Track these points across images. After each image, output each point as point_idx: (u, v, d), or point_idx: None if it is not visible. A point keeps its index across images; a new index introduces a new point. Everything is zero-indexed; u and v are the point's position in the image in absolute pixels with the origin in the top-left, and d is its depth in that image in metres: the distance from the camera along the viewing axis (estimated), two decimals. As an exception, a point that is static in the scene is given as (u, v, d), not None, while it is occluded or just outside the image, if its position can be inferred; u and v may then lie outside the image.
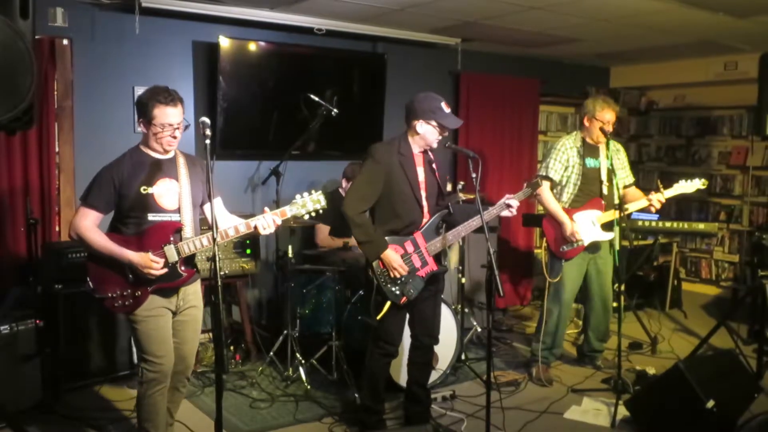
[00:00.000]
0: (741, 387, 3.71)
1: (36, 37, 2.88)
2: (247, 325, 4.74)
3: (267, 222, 2.93)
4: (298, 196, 2.98)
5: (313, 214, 2.99)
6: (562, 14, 4.73)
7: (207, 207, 3.04)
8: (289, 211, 2.97)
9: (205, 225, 3.13)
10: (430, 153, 3.44)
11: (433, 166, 3.46)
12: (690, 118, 7.42)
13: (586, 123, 4.33)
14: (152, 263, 2.82)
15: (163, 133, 2.85)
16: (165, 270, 2.86)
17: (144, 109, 2.85)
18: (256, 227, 2.92)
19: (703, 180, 4.30)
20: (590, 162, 4.34)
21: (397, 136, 3.41)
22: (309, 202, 2.97)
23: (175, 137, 2.89)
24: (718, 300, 6.87)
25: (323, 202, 2.98)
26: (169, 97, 2.85)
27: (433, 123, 3.28)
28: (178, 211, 2.93)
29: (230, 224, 2.98)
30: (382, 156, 3.31)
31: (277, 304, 5.26)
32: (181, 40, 4.83)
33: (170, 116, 2.84)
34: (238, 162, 5.12)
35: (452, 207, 3.49)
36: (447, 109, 3.30)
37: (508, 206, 3.44)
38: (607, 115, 4.24)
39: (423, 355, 3.60)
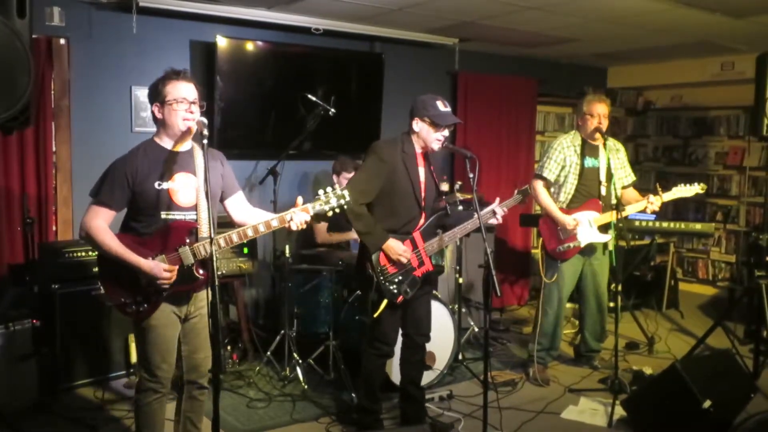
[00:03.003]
0: (737, 387, 3.71)
1: (33, 36, 2.87)
2: (244, 324, 4.74)
3: (300, 219, 2.75)
4: (321, 192, 2.78)
5: (337, 210, 2.78)
6: (559, 14, 4.73)
7: (228, 203, 2.94)
8: (311, 208, 2.75)
9: (227, 221, 2.98)
10: (429, 155, 3.44)
11: (431, 167, 3.46)
12: (687, 119, 7.44)
13: (580, 122, 4.35)
14: (165, 273, 2.65)
15: (179, 107, 2.67)
16: (176, 275, 2.68)
17: (155, 92, 2.70)
18: (290, 222, 2.74)
19: (701, 184, 4.32)
20: (589, 162, 4.34)
21: (400, 135, 3.42)
22: (333, 198, 2.76)
23: (192, 111, 2.69)
24: (715, 300, 6.88)
25: (348, 197, 2.78)
26: (180, 73, 2.72)
27: (426, 120, 3.28)
28: (195, 208, 2.75)
29: (258, 219, 2.81)
30: (387, 154, 3.30)
31: (274, 303, 5.27)
32: (179, 40, 4.83)
33: (183, 90, 2.68)
34: (235, 161, 5.04)
35: (449, 209, 3.50)
36: (443, 107, 3.29)
37: (494, 213, 3.45)
38: (597, 107, 4.24)
39: (416, 354, 3.61)
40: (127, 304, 2.72)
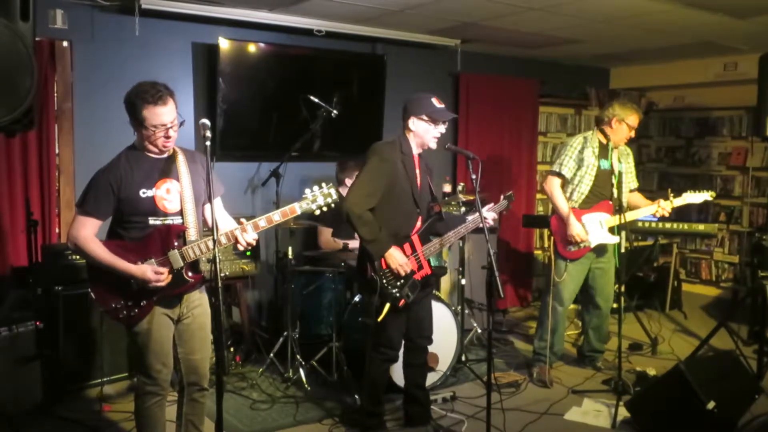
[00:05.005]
0: (741, 388, 3.71)
1: (36, 39, 2.87)
2: (247, 326, 4.74)
3: (244, 240, 2.73)
4: (308, 191, 2.80)
5: (325, 208, 2.80)
6: (561, 15, 4.73)
7: (207, 207, 2.88)
8: (299, 207, 2.76)
9: (204, 227, 2.95)
10: (424, 158, 3.45)
11: (426, 170, 3.46)
12: (690, 119, 7.42)
13: (615, 125, 4.32)
14: (156, 276, 2.66)
15: (157, 134, 2.65)
16: (169, 278, 2.70)
17: (132, 110, 2.64)
18: (236, 239, 2.74)
19: (711, 192, 4.37)
20: (604, 163, 4.38)
21: (397, 136, 3.41)
22: (320, 196, 2.77)
23: (169, 137, 2.69)
24: (718, 301, 6.87)
25: (335, 196, 2.80)
26: (157, 94, 2.60)
27: (424, 117, 3.29)
28: (181, 213, 2.76)
29: (226, 228, 2.82)
30: (387, 154, 3.30)
31: (277, 305, 5.26)
32: (181, 42, 4.83)
33: (161, 116, 2.62)
34: (237, 163, 5.12)
35: (443, 213, 3.51)
36: (438, 104, 3.32)
37: (485, 218, 3.46)
38: (636, 120, 4.32)
39: (418, 357, 3.61)
40: (118, 310, 2.73)
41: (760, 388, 3.86)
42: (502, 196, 3.68)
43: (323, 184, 2.81)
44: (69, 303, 3.97)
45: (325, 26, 5.09)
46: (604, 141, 4.38)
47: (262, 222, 2.77)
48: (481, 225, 3.23)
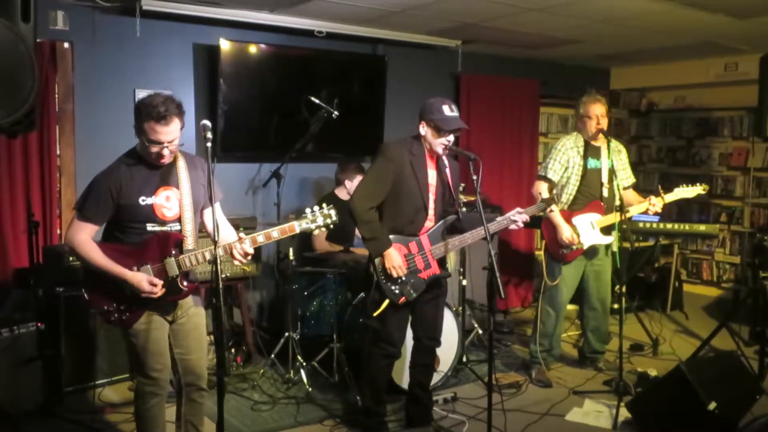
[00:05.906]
0: (742, 389, 3.70)
1: (37, 40, 2.88)
2: (248, 327, 4.74)
3: (239, 252, 2.76)
4: (308, 210, 2.83)
5: (323, 228, 2.83)
6: (561, 16, 4.73)
7: (206, 212, 2.91)
8: (298, 226, 2.79)
9: (201, 231, 2.94)
10: (445, 159, 3.43)
11: (447, 171, 3.44)
12: (690, 120, 7.42)
13: (579, 125, 4.37)
14: (150, 288, 2.67)
15: (151, 148, 2.65)
16: (163, 291, 2.71)
17: (137, 117, 2.65)
18: (232, 252, 2.77)
19: (703, 185, 4.34)
20: (592, 163, 4.34)
21: (410, 136, 3.42)
22: (320, 217, 2.81)
23: (163, 155, 2.67)
24: (720, 301, 6.87)
25: (334, 217, 2.83)
26: (164, 112, 2.59)
27: (431, 124, 3.28)
28: (179, 220, 2.78)
29: (224, 234, 2.83)
30: (394, 154, 3.32)
31: (278, 306, 5.27)
32: (182, 43, 4.84)
33: (159, 134, 2.61)
34: (238, 164, 5.13)
35: (461, 213, 3.49)
36: (449, 112, 3.28)
37: (515, 221, 3.44)
38: (594, 109, 4.27)
39: (424, 357, 3.61)
40: (110, 312, 2.75)
41: (761, 389, 3.85)
42: (540, 200, 3.68)
43: (324, 205, 2.84)
44: (70, 304, 3.97)
45: (326, 27, 5.10)
46: (588, 140, 4.37)
47: (260, 238, 2.80)
48: (486, 229, 3.21)
